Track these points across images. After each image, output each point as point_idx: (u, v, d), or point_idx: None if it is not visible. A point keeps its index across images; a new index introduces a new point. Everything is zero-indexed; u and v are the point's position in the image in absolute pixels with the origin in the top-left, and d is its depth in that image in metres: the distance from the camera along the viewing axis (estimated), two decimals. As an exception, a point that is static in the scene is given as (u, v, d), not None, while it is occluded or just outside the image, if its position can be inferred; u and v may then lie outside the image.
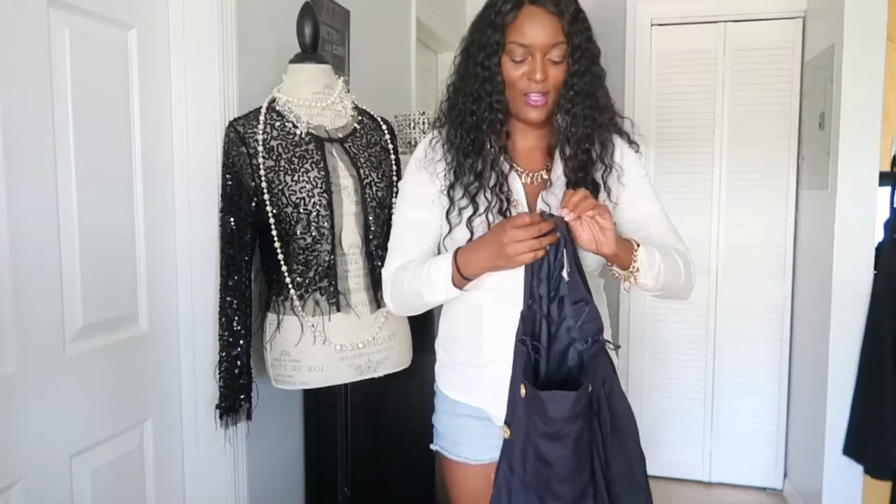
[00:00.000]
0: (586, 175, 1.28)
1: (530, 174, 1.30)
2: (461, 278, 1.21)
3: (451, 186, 1.28)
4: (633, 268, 1.19)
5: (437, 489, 1.89)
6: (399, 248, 1.33)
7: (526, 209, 1.26)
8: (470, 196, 1.26)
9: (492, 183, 1.25)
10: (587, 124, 1.26)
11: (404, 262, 1.31)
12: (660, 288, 1.25)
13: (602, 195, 1.29)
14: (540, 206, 1.27)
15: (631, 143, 1.34)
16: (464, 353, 1.33)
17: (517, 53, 1.21)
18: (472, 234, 1.25)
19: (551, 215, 1.15)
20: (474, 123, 1.27)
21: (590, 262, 1.27)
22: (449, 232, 1.29)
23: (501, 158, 1.28)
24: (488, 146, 1.27)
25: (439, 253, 1.33)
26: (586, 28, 1.24)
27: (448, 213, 1.28)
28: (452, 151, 1.29)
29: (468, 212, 1.26)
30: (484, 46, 1.24)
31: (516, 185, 1.29)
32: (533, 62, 1.21)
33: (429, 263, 1.25)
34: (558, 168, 1.30)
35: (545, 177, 1.30)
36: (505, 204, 1.25)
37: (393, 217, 1.38)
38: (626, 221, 1.33)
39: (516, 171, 1.30)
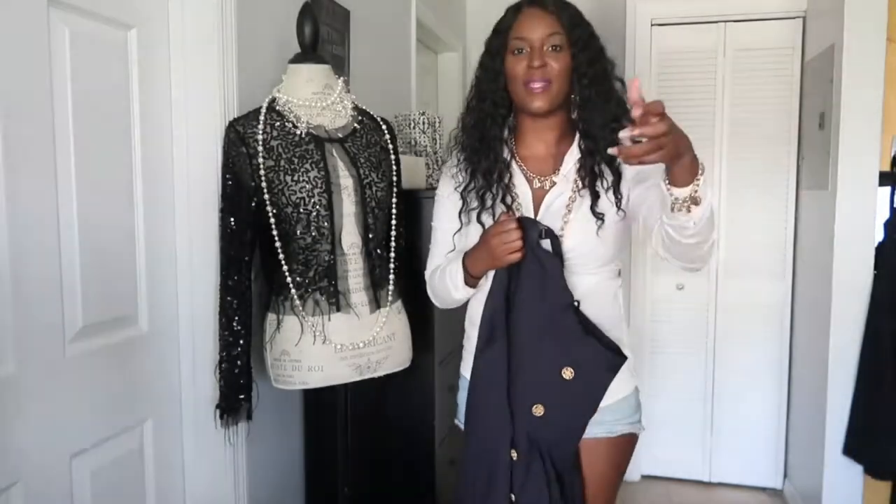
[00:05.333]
0: (595, 176, 1.32)
1: (540, 178, 1.37)
2: (471, 278, 1.35)
3: (465, 189, 1.38)
4: (696, 186, 1.04)
5: (438, 489, 1.89)
6: (434, 254, 1.48)
7: (531, 210, 1.35)
8: (479, 196, 1.35)
9: (498, 184, 1.35)
10: (602, 113, 1.30)
11: (437, 265, 1.45)
12: (699, 231, 1.09)
13: (608, 203, 1.31)
14: (542, 211, 1.34)
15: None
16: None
17: (516, 47, 1.31)
18: (483, 230, 1.34)
19: (535, 221, 1.29)
20: (480, 119, 1.37)
21: (605, 252, 1.32)
22: (459, 229, 1.40)
23: (509, 160, 1.38)
24: (495, 143, 1.36)
25: None
26: (587, 24, 1.33)
27: (460, 213, 1.39)
28: (464, 154, 1.40)
29: (475, 211, 1.36)
30: (490, 51, 1.36)
31: (523, 186, 1.36)
32: (531, 52, 1.30)
33: (450, 266, 1.39)
34: (567, 168, 1.35)
35: (554, 180, 1.36)
36: (509, 202, 1.34)
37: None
38: (635, 193, 1.32)
39: (525, 174, 1.37)
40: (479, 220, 1.35)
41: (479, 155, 1.36)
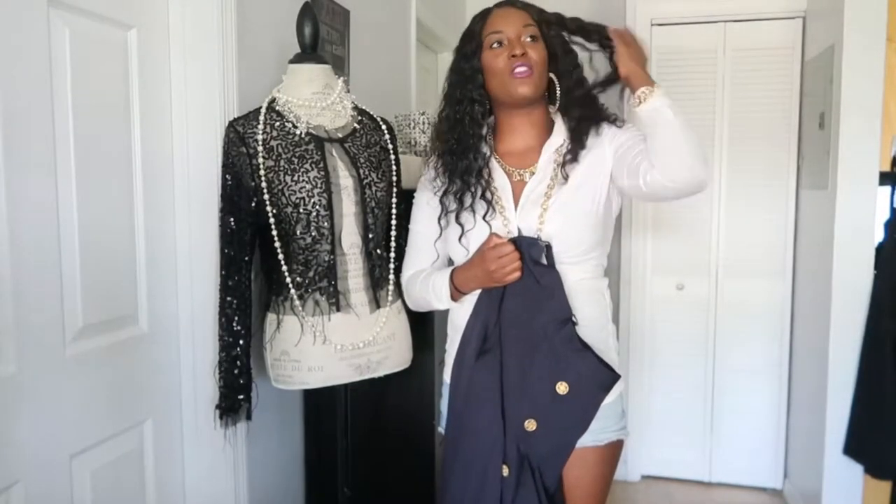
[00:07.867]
0: (575, 157, 1.35)
1: (520, 171, 1.39)
2: (458, 293, 1.37)
3: (444, 193, 1.39)
4: (652, 88, 1.29)
5: (437, 489, 1.89)
6: (411, 258, 1.51)
7: (511, 203, 1.36)
8: (457, 198, 1.37)
9: (477, 181, 1.36)
10: (584, 94, 1.38)
11: (416, 270, 1.48)
12: (679, 128, 1.23)
13: (582, 186, 1.35)
14: (522, 201, 1.36)
15: (613, 121, 1.42)
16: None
17: (494, 41, 1.34)
18: (462, 230, 1.36)
19: (535, 240, 1.30)
20: (458, 120, 1.38)
21: (587, 237, 1.33)
22: (440, 234, 1.42)
23: (488, 155, 1.39)
24: (475, 141, 1.37)
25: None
26: (555, 23, 1.38)
27: (439, 218, 1.41)
28: (441, 159, 1.41)
29: (454, 213, 1.37)
30: (465, 54, 1.37)
31: (502, 180, 1.38)
32: (511, 43, 1.33)
33: (434, 278, 1.41)
34: (545, 158, 1.37)
35: (533, 171, 1.38)
36: (489, 198, 1.35)
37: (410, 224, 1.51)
38: (616, 148, 1.37)
39: (504, 169, 1.39)
40: (457, 221, 1.37)
41: (457, 155, 1.38)
